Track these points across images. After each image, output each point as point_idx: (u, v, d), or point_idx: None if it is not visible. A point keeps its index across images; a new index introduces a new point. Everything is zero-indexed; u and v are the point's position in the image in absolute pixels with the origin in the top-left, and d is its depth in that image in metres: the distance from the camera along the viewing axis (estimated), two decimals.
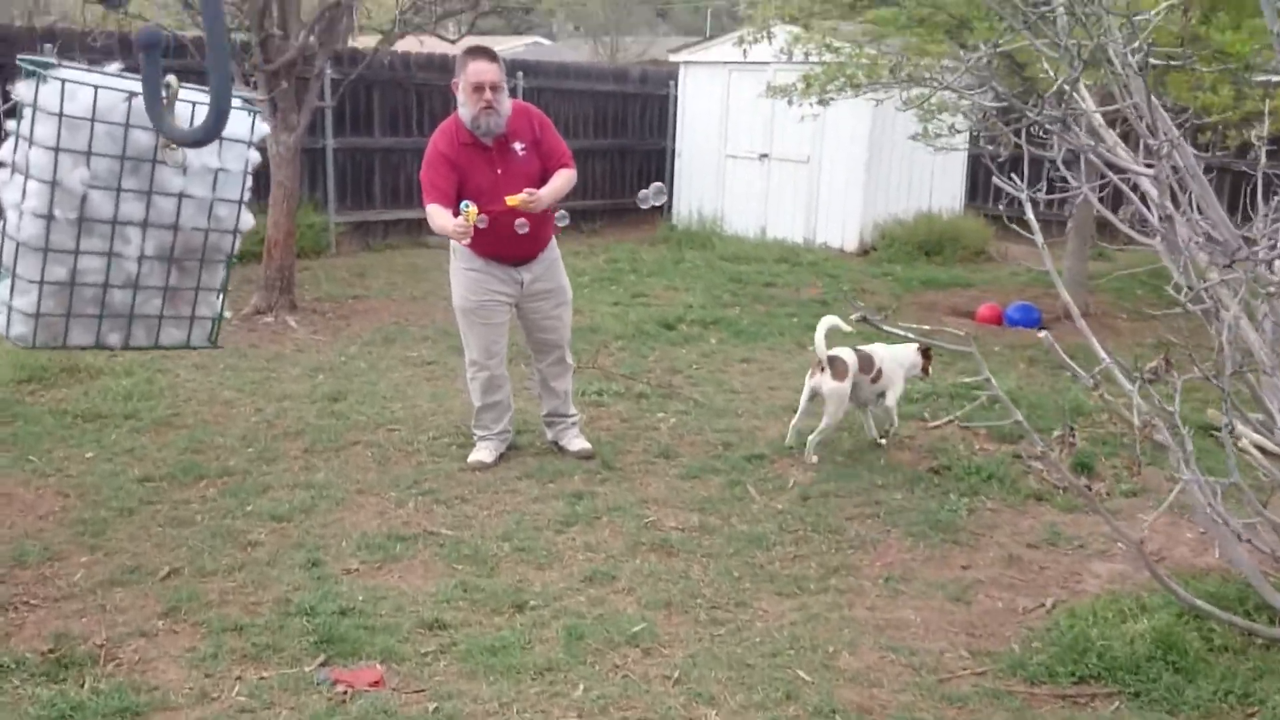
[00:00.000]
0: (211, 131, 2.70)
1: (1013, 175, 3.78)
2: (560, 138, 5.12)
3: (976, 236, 12.21)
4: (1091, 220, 9.14)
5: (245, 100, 3.15)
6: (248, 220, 3.41)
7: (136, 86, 3.07)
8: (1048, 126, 2.80)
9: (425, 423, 5.81)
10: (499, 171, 4.90)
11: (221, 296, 3.39)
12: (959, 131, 8.70)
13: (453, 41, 9.80)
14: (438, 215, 4.76)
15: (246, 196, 3.39)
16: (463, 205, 4.67)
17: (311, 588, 3.85)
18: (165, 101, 2.94)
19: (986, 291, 10.12)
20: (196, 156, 3.14)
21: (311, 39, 7.86)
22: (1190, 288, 2.68)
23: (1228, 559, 3.98)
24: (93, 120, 3.22)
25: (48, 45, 9.24)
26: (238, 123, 3.09)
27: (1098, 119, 2.91)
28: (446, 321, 8.28)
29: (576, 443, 5.45)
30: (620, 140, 14.06)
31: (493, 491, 4.88)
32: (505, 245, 4.97)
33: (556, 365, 5.41)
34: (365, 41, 12.22)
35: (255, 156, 3.25)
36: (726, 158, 13.33)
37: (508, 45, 30.36)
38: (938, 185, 13.04)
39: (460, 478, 5.03)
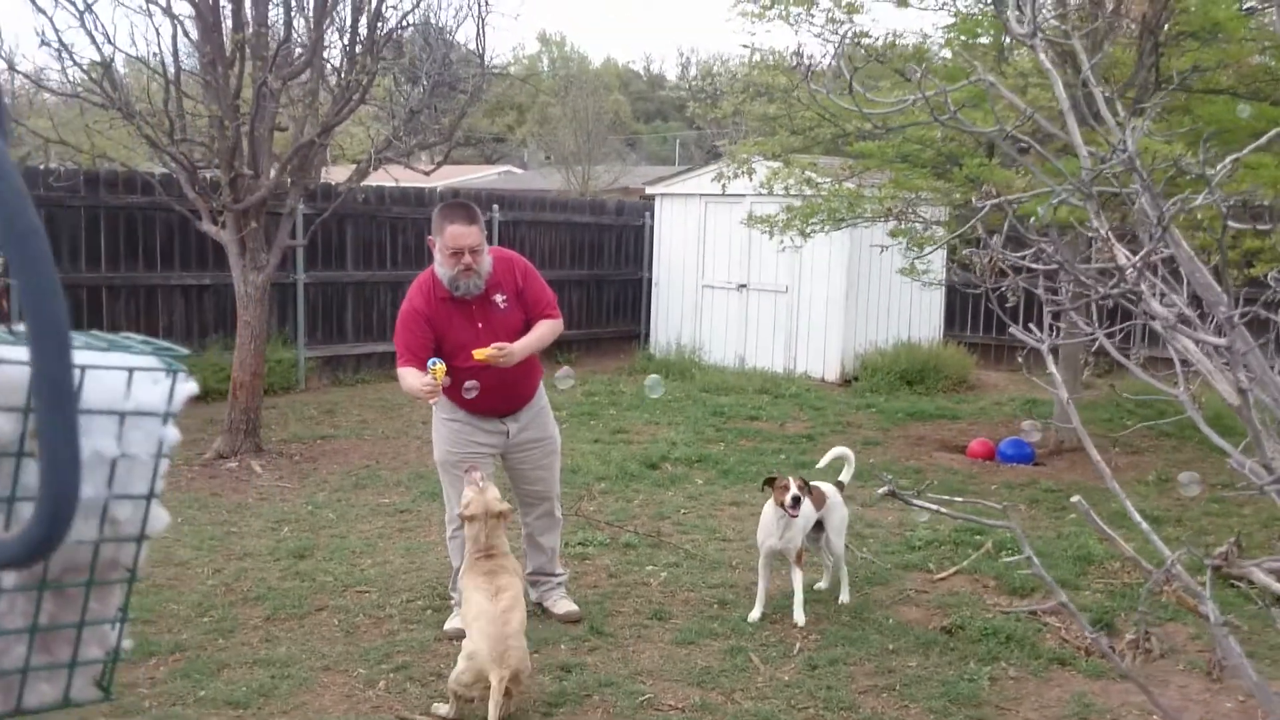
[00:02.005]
0: (35, 543, 1.53)
1: (1030, 326, 3.52)
2: (545, 286, 4.84)
3: (958, 365, 12.07)
4: (1084, 349, 8.98)
5: (160, 353, 2.10)
6: (160, 519, 2.52)
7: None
8: (1089, 281, 2.55)
9: (397, 582, 5.40)
10: (479, 325, 4.62)
11: (119, 628, 2.57)
12: (942, 269, 8.59)
13: (427, 173, 9.67)
14: (408, 377, 4.50)
15: (159, 488, 2.46)
16: (430, 363, 4.40)
17: None
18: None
19: (974, 424, 9.89)
20: (86, 441, 2.21)
21: (283, 177, 7.66)
22: (1267, 468, 2.39)
23: None
24: None
25: None
26: (150, 390, 2.09)
27: (1154, 300, 2.67)
28: (420, 463, 7.94)
29: (563, 604, 5.07)
30: (596, 270, 13.95)
31: None
32: (487, 399, 4.68)
33: (544, 519, 5.06)
34: (339, 173, 12.13)
35: (173, 435, 2.21)
36: (704, 287, 13.22)
37: (480, 174, 30.67)
38: (917, 314, 12.95)
39: (436, 649, 4.61)
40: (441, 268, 4.59)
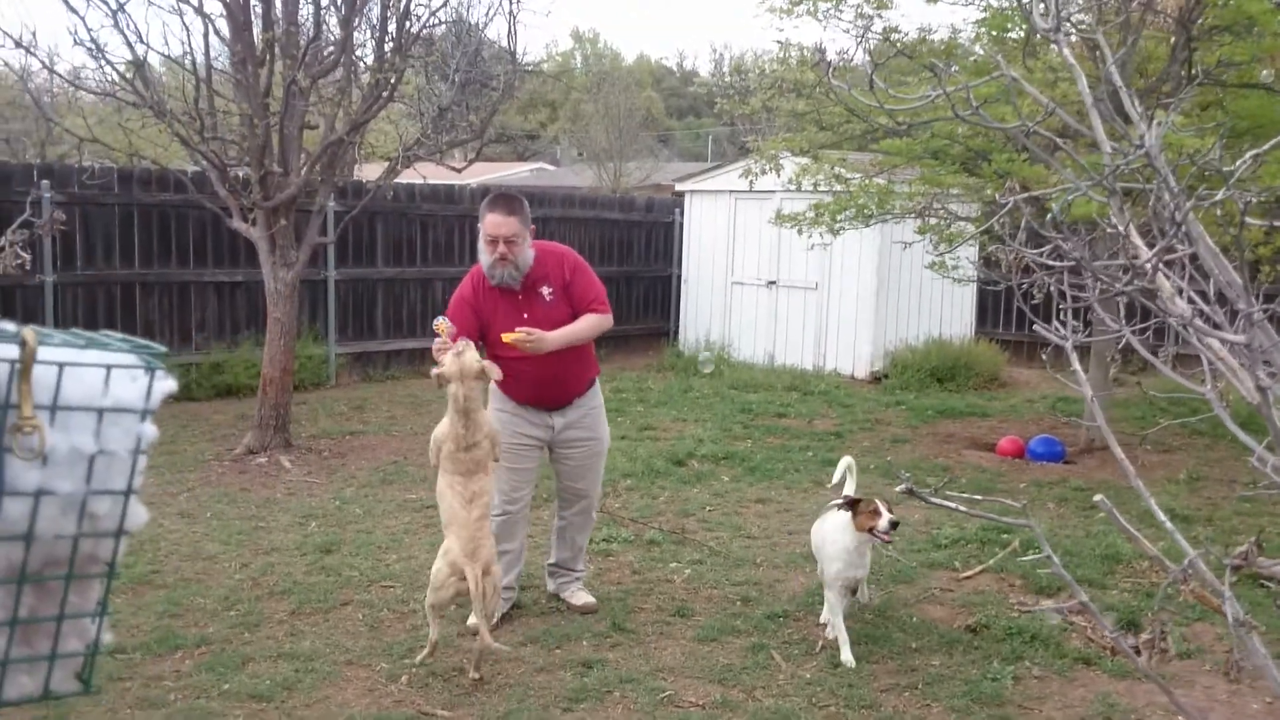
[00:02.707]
0: None
1: (1055, 323, 3.49)
2: (594, 281, 4.90)
3: (989, 363, 11.97)
4: (1112, 347, 8.88)
5: (139, 351, 1.99)
6: (139, 516, 2.17)
7: None
8: (1105, 278, 2.52)
9: (422, 578, 5.42)
10: (524, 316, 4.72)
11: (99, 622, 2.12)
12: (972, 265, 8.52)
13: (458, 170, 9.72)
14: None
15: (138, 482, 2.15)
16: (435, 320, 4.52)
17: None
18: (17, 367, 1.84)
19: (1004, 421, 9.81)
20: (64, 437, 2.02)
21: (313, 174, 7.72)
22: None
23: None
24: None
25: (45, 181, 9.16)
26: (126, 385, 2.01)
27: (1163, 280, 2.64)
28: None
29: (580, 596, 5.10)
30: (626, 267, 13.95)
31: (494, 660, 4.48)
32: (534, 390, 4.82)
33: (580, 516, 5.11)
34: (371, 171, 12.21)
35: (151, 432, 2.06)
36: (733, 284, 13.19)
37: (512, 171, 30.75)
38: (948, 311, 12.85)
39: (459, 644, 4.63)
40: (483, 255, 4.72)
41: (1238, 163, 2.09)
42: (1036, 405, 10.64)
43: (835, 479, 5.26)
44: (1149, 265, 2.37)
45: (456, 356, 4.24)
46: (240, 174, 7.88)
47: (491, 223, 4.65)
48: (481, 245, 4.73)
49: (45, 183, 9.16)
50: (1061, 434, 8.77)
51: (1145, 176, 2.75)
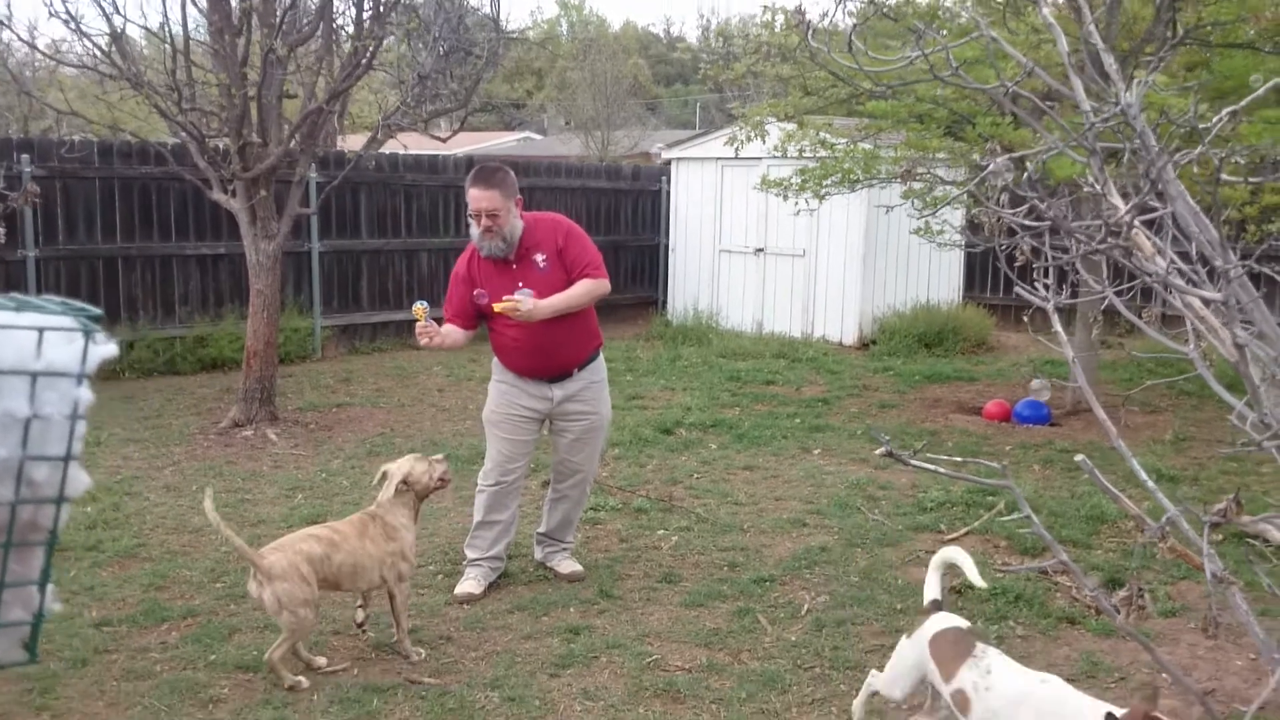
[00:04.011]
0: None
1: (1037, 284, 3.48)
2: (588, 247, 4.90)
3: (977, 327, 11.99)
4: (1095, 308, 8.89)
5: (76, 314, 2.03)
6: (80, 481, 2.32)
7: None
8: (1082, 237, 2.51)
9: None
10: (520, 285, 4.71)
11: (41, 594, 2.34)
12: (957, 230, 8.50)
13: (444, 140, 9.64)
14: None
15: (77, 448, 2.30)
16: (416, 303, 4.63)
17: None
18: None
19: (992, 385, 9.83)
20: None
21: (293, 144, 7.65)
22: (1265, 424, 2.36)
23: None
24: None
25: (25, 155, 9.07)
26: (62, 349, 1.98)
27: (1139, 228, 2.63)
28: (434, 430, 7.98)
29: (567, 565, 5.12)
30: (614, 236, 13.90)
31: (481, 629, 4.50)
32: (531, 360, 4.82)
33: (575, 490, 5.11)
34: (355, 142, 12.12)
35: (87, 396, 2.10)
36: (721, 252, 13.16)
37: (498, 141, 30.58)
38: (936, 276, 12.85)
39: (446, 613, 4.65)
40: (471, 228, 4.77)
41: (1213, 120, 2.08)
42: (1023, 369, 10.65)
43: (931, 581, 3.59)
44: (1121, 224, 2.36)
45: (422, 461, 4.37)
46: (220, 145, 7.81)
47: (473, 197, 4.67)
48: (470, 218, 4.76)
49: (25, 157, 9.07)
50: (1039, 395, 8.79)
51: (1127, 137, 2.73)
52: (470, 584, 4.86)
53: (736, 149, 9.10)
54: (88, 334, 2.01)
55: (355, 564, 4.07)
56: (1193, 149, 2.55)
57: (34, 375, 1.94)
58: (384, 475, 4.30)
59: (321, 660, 4.12)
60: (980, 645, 3.23)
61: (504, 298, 4.57)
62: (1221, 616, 2.76)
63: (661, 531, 5.76)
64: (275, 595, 3.85)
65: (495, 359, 4.96)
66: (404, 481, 4.25)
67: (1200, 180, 5.25)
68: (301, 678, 3.95)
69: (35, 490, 2.26)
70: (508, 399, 4.90)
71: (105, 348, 2.08)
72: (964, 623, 3.39)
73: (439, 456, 4.44)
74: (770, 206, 11.86)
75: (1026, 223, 2.41)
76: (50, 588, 2.31)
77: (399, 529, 4.20)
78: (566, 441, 5.00)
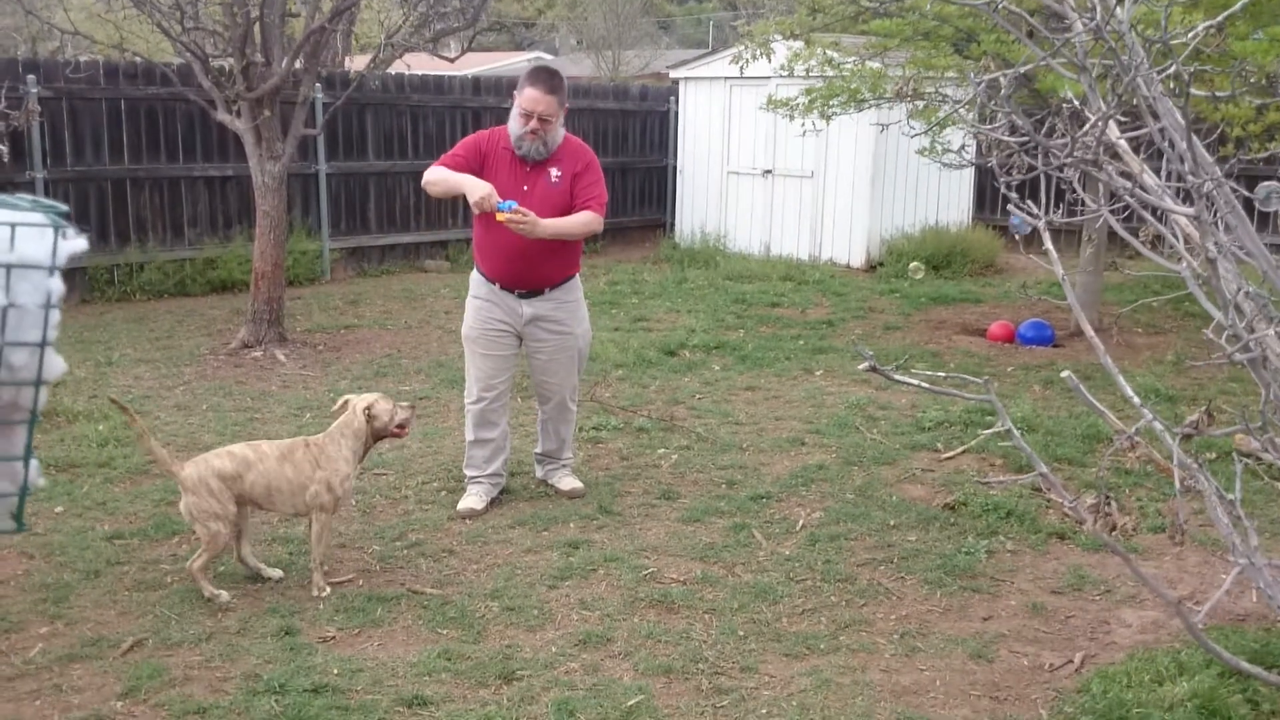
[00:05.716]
0: None
1: (1028, 201, 3.50)
2: (600, 181, 4.92)
3: (986, 249, 11.95)
4: (1104, 231, 8.86)
5: (46, 210, 2.23)
6: (57, 366, 2.52)
7: None
8: (1067, 158, 2.53)
9: (414, 465, 5.55)
10: (525, 188, 4.75)
11: (25, 468, 2.50)
12: (966, 149, 8.43)
13: (452, 60, 9.57)
14: (433, 173, 4.76)
15: (53, 335, 2.47)
16: (507, 205, 4.58)
17: (283, 660, 3.58)
18: None
19: (997, 307, 9.84)
20: None
21: (297, 64, 7.62)
22: (1237, 336, 2.40)
23: (1271, 602, 3.70)
24: None
25: (30, 76, 9.06)
26: (33, 243, 2.21)
27: (1123, 145, 2.64)
28: (441, 351, 8.06)
29: (567, 481, 5.22)
30: (621, 158, 13.82)
31: (482, 542, 4.61)
32: (506, 264, 4.85)
33: (556, 410, 5.18)
34: (363, 62, 12.03)
35: (58, 286, 2.31)
36: (729, 174, 13.08)
37: (508, 61, 30.19)
38: (945, 198, 12.77)
39: (449, 528, 4.77)
40: (513, 123, 4.76)
41: (1189, 34, 2.08)
42: (1030, 290, 10.64)
43: None
44: (1101, 140, 2.37)
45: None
46: (224, 65, 7.78)
47: (530, 97, 4.66)
48: (515, 114, 4.73)
49: (31, 77, 9.05)
50: (1052, 318, 8.81)
51: (1121, 53, 2.73)
52: (472, 500, 4.97)
53: (742, 67, 9.01)
54: (57, 229, 2.24)
55: (268, 485, 4.05)
56: (1199, 67, 2.56)
57: (8, 267, 2.18)
58: (345, 403, 4.33)
59: (275, 572, 4.19)
60: None
61: (511, 207, 4.55)
62: (1184, 524, 2.83)
63: (662, 450, 5.85)
64: (187, 506, 3.98)
65: (474, 270, 4.99)
66: (367, 410, 4.22)
67: (1209, 100, 5.20)
68: (222, 592, 4.01)
69: (15, 374, 2.55)
70: (483, 314, 4.95)
71: (74, 242, 2.33)
72: None
73: (406, 404, 4.42)
74: (778, 128, 11.76)
75: (1005, 138, 2.43)
76: (34, 463, 2.54)
77: (335, 460, 4.13)
78: (540, 363, 5.05)
